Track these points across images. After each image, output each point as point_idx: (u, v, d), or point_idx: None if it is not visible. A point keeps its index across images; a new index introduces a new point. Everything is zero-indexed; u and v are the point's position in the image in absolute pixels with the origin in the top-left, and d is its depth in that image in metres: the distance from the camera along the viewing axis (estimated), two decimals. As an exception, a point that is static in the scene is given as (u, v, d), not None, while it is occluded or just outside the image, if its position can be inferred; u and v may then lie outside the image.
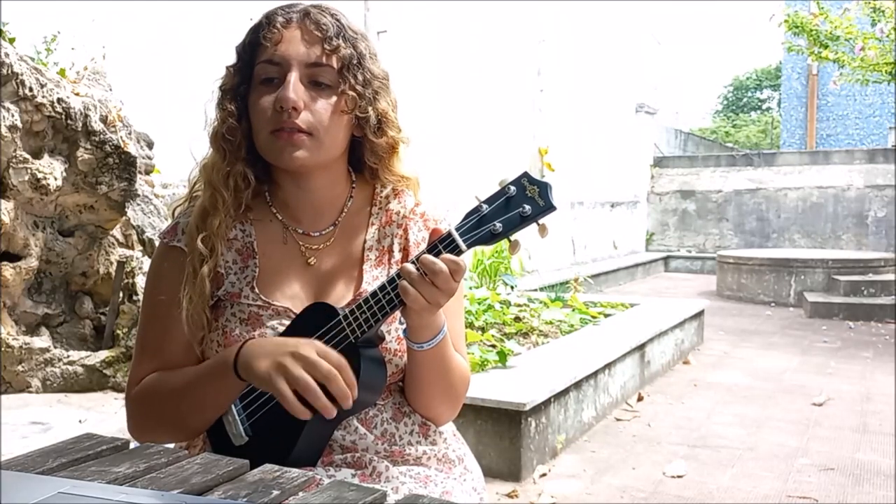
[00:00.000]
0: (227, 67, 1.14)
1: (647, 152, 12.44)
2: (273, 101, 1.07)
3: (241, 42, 1.14)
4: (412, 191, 1.22)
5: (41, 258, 3.30)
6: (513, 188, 0.97)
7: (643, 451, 3.27)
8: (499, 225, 0.96)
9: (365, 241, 1.18)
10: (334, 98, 1.09)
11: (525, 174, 0.98)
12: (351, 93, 1.09)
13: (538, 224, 0.98)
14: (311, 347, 0.97)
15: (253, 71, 1.11)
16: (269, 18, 1.11)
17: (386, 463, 1.10)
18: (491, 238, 0.97)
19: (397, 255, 1.18)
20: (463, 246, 0.97)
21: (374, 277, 1.15)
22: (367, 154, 1.17)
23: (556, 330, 4.37)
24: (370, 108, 1.12)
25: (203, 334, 1.12)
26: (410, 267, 0.97)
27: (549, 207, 0.96)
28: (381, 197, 1.21)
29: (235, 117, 1.12)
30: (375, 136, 1.14)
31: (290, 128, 1.07)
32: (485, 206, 0.98)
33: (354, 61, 1.10)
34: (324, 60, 1.09)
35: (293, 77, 1.07)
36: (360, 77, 1.11)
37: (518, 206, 0.96)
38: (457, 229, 0.98)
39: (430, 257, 0.96)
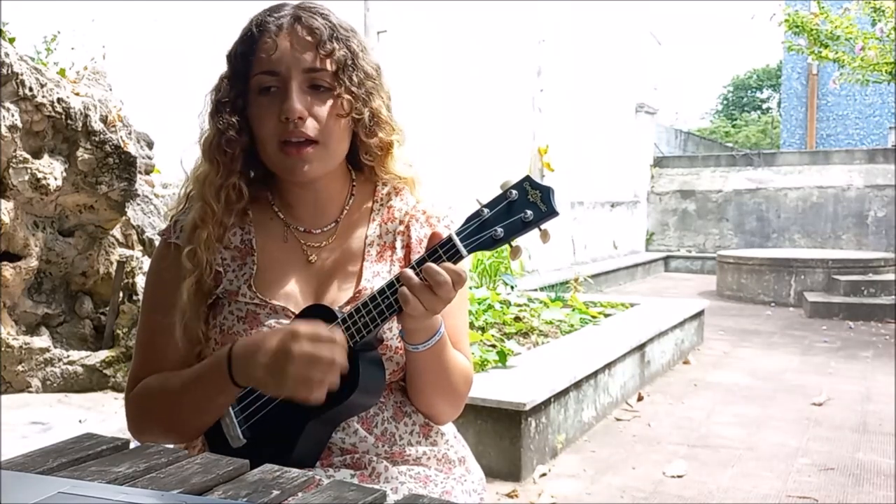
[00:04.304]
0: (222, 78, 1.13)
1: (647, 152, 12.44)
2: (276, 111, 1.07)
3: (231, 51, 1.13)
4: (409, 187, 1.22)
5: (41, 258, 3.30)
6: (515, 192, 0.96)
7: (643, 451, 3.27)
8: (500, 230, 0.95)
9: (366, 238, 1.18)
10: (331, 100, 1.09)
11: (527, 178, 0.97)
12: (347, 96, 1.09)
13: (540, 229, 0.97)
14: (299, 340, 0.95)
15: (248, 82, 1.10)
16: (259, 27, 1.09)
17: (385, 463, 1.09)
18: (492, 243, 0.96)
19: (399, 253, 1.18)
20: (464, 251, 0.97)
21: (374, 274, 1.15)
22: (362, 153, 1.17)
23: (556, 330, 4.37)
24: (365, 109, 1.12)
25: (201, 348, 1.12)
26: (411, 273, 0.97)
27: (552, 212, 0.95)
28: (382, 194, 1.21)
29: (236, 129, 1.11)
30: (367, 136, 1.14)
31: (298, 138, 1.07)
32: (486, 211, 0.96)
33: (349, 61, 1.10)
34: (318, 65, 1.08)
35: (294, 86, 1.06)
36: (354, 78, 1.10)
37: (520, 210, 0.95)
38: (458, 234, 0.97)
39: (433, 266, 0.96)
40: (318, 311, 1.05)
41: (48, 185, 3.14)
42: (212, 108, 1.13)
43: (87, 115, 3.25)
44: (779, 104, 25.32)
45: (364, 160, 1.18)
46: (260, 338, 1.00)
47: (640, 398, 4.08)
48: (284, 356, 0.95)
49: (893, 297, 7.22)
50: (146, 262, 3.49)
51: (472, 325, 4.04)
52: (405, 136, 1.19)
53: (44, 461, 0.84)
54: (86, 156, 3.27)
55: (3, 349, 3.18)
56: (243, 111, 1.11)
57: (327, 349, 0.95)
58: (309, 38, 1.08)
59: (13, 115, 3.00)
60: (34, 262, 3.25)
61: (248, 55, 1.10)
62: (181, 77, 4.16)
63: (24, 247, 3.20)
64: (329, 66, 1.09)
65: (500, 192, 0.97)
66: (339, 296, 1.14)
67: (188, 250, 1.11)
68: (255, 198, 1.18)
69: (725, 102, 39.19)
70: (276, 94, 1.08)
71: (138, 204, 3.54)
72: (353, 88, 1.10)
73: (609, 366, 3.77)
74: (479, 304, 4.35)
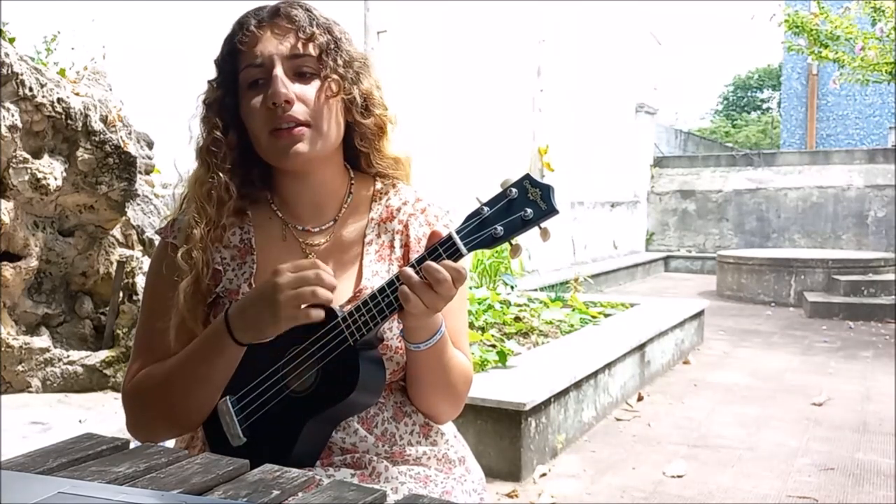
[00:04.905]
0: (209, 82, 1.15)
1: (647, 152, 12.43)
2: (265, 102, 1.08)
3: (218, 55, 1.14)
4: (405, 172, 1.23)
5: (41, 258, 3.30)
6: (514, 190, 0.96)
7: (643, 451, 3.27)
8: (500, 228, 0.95)
9: (365, 236, 1.18)
10: (319, 83, 1.10)
11: (527, 176, 0.97)
12: (334, 76, 1.10)
13: (540, 228, 0.97)
14: (282, 273, 0.99)
15: (237, 81, 1.12)
16: (241, 24, 1.11)
17: (385, 463, 1.09)
18: (492, 241, 0.96)
19: (398, 251, 1.18)
20: (464, 250, 0.97)
21: (373, 273, 1.15)
22: (356, 139, 1.18)
23: (556, 330, 4.37)
24: (354, 89, 1.13)
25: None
26: (411, 272, 0.97)
27: (552, 211, 0.95)
28: (380, 192, 1.22)
29: (221, 129, 1.12)
30: (362, 116, 1.15)
31: (288, 123, 1.07)
32: (486, 209, 0.97)
33: (332, 46, 1.12)
34: (301, 50, 1.09)
35: (278, 72, 1.08)
36: (339, 60, 1.12)
37: (520, 209, 0.95)
38: (458, 232, 0.97)
39: (433, 264, 0.96)
40: None
41: (48, 185, 3.13)
42: (201, 112, 1.15)
43: (87, 115, 3.25)
44: (779, 104, 25.31)
45: (359, 146, 1.19)
46: (248, 293, 1.06)
47: (640, 398, 4.08)
48: (272, 289, 0.99)
49: (893, 297, 7.22)
50: (146, 262, 3.49)
51: (472, 325, 4.04)
52: (398, 120, 1.20)
53: (44, 461, 0.84)
54: (86, 156, 3.27)
55: (3, 349, 3.18)
56: (235, 110, 1.13)
57: (310, 269, 0.99)
58: (289, 26, 1.10)
59: (13, 115, 2.99)
60: (34, 262, 3.25)
61: (233, 53, 1.12)
62: (181, 77, 4.16)
63: (24, 247, 3.20)
64: (312, 50, 1.10)
65: (499, 190, 0.97)
66: (338, 294, 1.13)
67: (184, 251, 1.12)
68: (254, 198, 1.18)
69: (725, 102, 39.18)
70: (263, 86, 1.09)
71: (138, 204, 3.54)
72: (340, 69, 1.11)
73: (609, 366, 3.77)
74: (479, 304, 4.35)
